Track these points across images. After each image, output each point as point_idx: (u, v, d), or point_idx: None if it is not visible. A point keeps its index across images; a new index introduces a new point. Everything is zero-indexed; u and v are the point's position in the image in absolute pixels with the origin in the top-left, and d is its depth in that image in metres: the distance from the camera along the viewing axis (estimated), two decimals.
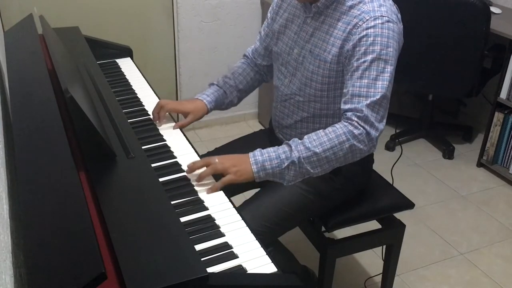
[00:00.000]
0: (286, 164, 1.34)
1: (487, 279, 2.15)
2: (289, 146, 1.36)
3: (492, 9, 2.81)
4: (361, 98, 1.35)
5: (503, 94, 2.69)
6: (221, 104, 1.70)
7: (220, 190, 1.28)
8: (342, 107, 1.39)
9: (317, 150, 1.34)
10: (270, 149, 1.37)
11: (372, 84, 1.35)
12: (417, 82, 2.93)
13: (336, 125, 1.37)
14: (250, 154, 1.36)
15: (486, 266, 2.21)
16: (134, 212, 1.05)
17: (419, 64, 2.83)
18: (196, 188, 1.28)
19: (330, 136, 1.35)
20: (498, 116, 2.74)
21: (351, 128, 1.34)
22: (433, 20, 2.69)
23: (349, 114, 1.36)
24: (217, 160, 1.32)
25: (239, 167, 1.33)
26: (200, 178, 1.29)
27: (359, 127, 1.34)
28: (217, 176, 1.33)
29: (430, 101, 3.13)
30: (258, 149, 1.38)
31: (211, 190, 1.26)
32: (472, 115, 3.40)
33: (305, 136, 1.38)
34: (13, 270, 0.93)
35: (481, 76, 2.78)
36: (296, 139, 1.38)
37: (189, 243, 0.97)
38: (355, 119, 1.35)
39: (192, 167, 1.31)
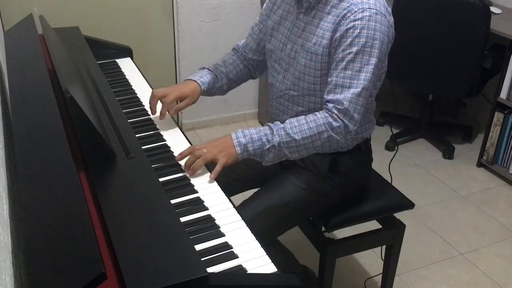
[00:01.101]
0: (267, 147, 1.39)
1: (487, 279, 2.15)
2: (271, 129, 1.40)
3: (492, 9, 2.81)
4: (344, 89, 1.39)
5: (503, 94, 2.69)
6: (212, 87, 1.69)
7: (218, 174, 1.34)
8: (325, 96, 1.43)
9: (297, 137, 1.38)
10: (252, 131, 1.40)
11: (356, 76, 1.38)
12: (417, 82, 2.93)
13: (317, 114, 1.41)
14: (233, 135, 1.39)
15: (486, 266, 2.21)
16: (134, 212, 1.05)
17: (419, 64, 2.83)
18: (196, 187, 1.28)
19: (311, 125, 1.39)
20: (498, 116, 2.74)
21: (330, 120, 1.38)
22: (433, 20, 2.69)
23: (330, 105, 1.40)
24: (204, 150, 1.35)
25: (226, 150, 1.37)
26: (193, 170, 1.32)
27: (338, 120, 1.38)
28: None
29: (430, 101, 3.13)
30: (240, 130, 1.41)
31: (214, 176, 1.32)
32: (472, 115, 3.40)
33: (287, 121, 1.42)
34: (13, 270, 0.93)
35: (481, 76, 2.78)
36: (278, 122, 1.42)
37: (189, 243, 0.97)
38: (335, 111, 1.38)
39: (181, 159, 1.36)
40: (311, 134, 1.39)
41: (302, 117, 1.41)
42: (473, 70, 2.69)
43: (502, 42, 2.74)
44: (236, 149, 1.38)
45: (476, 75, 2.71)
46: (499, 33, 2.61)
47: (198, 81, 1.64)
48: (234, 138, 1.39)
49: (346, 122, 1.38)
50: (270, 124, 1.42)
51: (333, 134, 1.39)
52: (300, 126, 1.39)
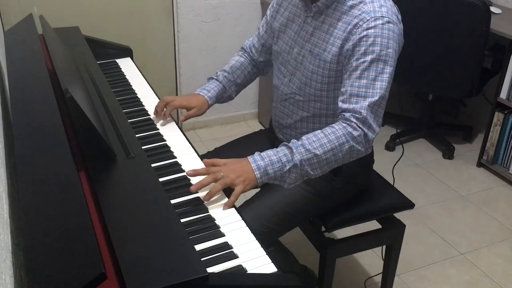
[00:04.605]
0: (288, 167, 1.32)
1: (487, 279, 2.15)
2: (290, 148, 1.34)
3: (492, 9, 2.81)
4: (360, 99, 1.35)
5: (503, 94, 2.69)
6: (220, 98, 1.71)
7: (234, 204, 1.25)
8: (340, 106, 1.39)
9: (318, 152, 1.33)
10: (270, 152, 1.34)
11: (371, 84, 1.35)
12: (417, 82, 2.93)
13: (334, 126, 1.36)
14: (250, 159, 1.33)
15: (486, 266, 2.21)
16: (134, 212, 1.05)
17: (419, 64, 2.83)
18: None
19: (330, 138, 1.34)
20: (498, 116, 2.74)
21: (350, 129, 1.34)
22: (433, 20, 2.69)
23: (347, 115, 1.36)
24: (222, 174, 1.28)
25: (244, 176, 1.30)
26: (210, 195, 1.23)
27: (358, 128, 1.34)
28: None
29: (430, 101, 3.13)
30: (257, 153, 1.35)
31: (227, 207, 1.22)
32: (472, 115, 3.40)
33: (304, 137, 1.36)
34: (13, 270, 0.93)
35: (481, 76, 2.78)
36: (294, 140, 1.37)
37: (189, 243, 0.97)
38: (354, 120, 1.35)
39: (195, 175, 1.29)
40: (333, 147, 1.33)
41: (319, 131, 1.36)
42: (473, 70, 2.69)
43: (502, 42, 2.74)
44: (255, 173, 1.30)
45: (476, 75, 2.71)
46: (499, 33, 2.61)
47: (206, 96, 1.66)
48: (252, 162, 1.32)
49: (365, 130, 1.35)
50: (286, 143, 1.36)
51: (354, 144, 1.34)
52: (320, 140, 1.33)
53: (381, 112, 1.38)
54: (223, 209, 1.22)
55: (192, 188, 1.24)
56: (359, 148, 1.36)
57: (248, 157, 1.34)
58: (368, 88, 1.35)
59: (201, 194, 1.26)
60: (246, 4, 3.03)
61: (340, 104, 1.39)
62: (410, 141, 3.19)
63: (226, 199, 1.26)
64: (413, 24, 2.72)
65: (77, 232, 0.89)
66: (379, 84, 1.35)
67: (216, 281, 0.93)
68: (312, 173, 1.35)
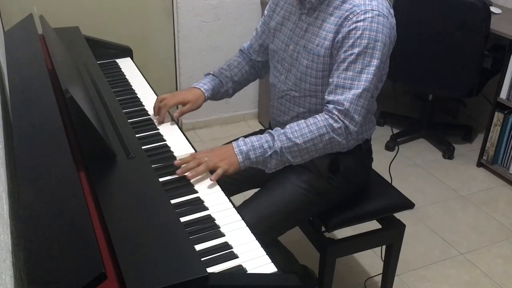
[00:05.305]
0: (269, 153, 1.38)
1: (487, 279, 2.15)
2: (272, 135, 1.40)
3: (492, 9, 2.81)
4: (345, 90, 1.38)
5: (503, 94, 2.69)
6: (217, 93, 1.72)
7: (216, 181, 1.32)
8: (325, 97, 1.43)
9: (298, 141, 1.37)
10: (253, 138, 1.40)
11: (357, 76, 1.38)
12: (417, 82, 2.93)
13: (317, 116, 1.40)
14: (234, 144, 1.39)
15: (486, 266, 2.21)
16: (134, 212, 1.05)
17: (419, 64, 2.83)
18: (196, 187, 1.28)
19: (311, 128, 1.38)
20: (498, 116, 2.74)
21: (331, 121, 1.38)
22: (433, 20, 2.69)
23: (330, 107, 1.40)
24: (206, 158, 1.34)
25: (227, 159, 1.36)
26: (194, 175, 1.30)
27: (339, 121, 1.38)
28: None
29: (430, 101, 3.13)
30: (241, 138, 1.41)
31: (215, 178, 1.30)
32: (472, 115, 3.40)
33: (287, 126, 1.41)
34: (13, 270, 0.93)
35: (481, 76, 2.78)
36: (278, 128, 1.42)
37: (189, 243, 0.97)
38: (336, 112, 1.38)
39: (182, 164, 1.33)
40: (313, 137, 1.38)
41: (302, 121, 1.41)
42: (473, 70, 2.69)
43: (502, 42, 2.74)
44: (238, 157, 1.37)
45: (476, 75, 2.71)
46: (499, 33, 2.61)
47: (202, 89, 1.67)
48: (235, 146, 1.38)
49: (347, 123, 1.38)
50: (270, 130, 1.42)
51: (334, 135, 1.38)
52: (301, 130, 1.38)
53: (365, 104, 1.40)
54: (209, 181, 1.30)
55: (178, 171, 1.30)
56: (340, 140, 1.39)
57: (232, 141, 1.40)
58: (354, 80, 1.38)
59: (202, 194, 1.26)
60: (246, 4, 3.03)
61: (326, 95, 1.43)
62: (410, 141, 3.19)
63: (224, 196, 1.26)
64: (413, 24, 2.72)
65: (77, 232, 0.89)
66: (365, 76, 1.38)
67: (216, 281, 0.93)
68: (292, 160, 1.40)
